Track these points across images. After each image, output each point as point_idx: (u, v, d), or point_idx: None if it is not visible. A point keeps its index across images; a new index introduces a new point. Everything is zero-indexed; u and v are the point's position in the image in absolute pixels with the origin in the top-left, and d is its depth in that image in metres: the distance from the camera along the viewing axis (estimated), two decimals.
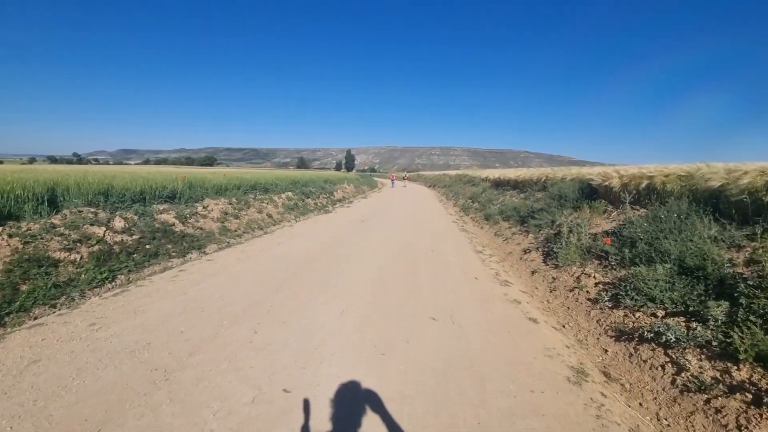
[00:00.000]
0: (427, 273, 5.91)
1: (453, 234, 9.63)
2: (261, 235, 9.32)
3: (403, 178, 47.48)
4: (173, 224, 7.79)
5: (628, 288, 4.00)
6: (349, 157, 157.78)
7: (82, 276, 5.14)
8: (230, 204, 10.74)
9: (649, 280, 3.82)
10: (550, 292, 5.13)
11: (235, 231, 9.17)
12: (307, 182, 19.42)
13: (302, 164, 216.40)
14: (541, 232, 7.62)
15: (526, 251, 7.15)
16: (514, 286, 5.41)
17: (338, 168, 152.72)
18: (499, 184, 16.39)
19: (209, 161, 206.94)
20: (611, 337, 3.60)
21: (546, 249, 6.62)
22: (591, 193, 7.57)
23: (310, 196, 16.81)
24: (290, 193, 15.51)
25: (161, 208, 8.25)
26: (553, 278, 5.45)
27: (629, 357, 3.24)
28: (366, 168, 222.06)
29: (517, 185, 13.62)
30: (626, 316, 3.76)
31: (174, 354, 3.09)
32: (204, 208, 9.46)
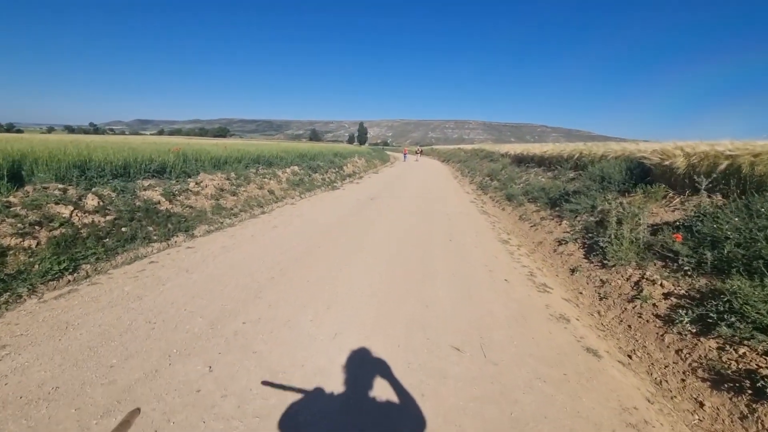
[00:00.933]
0: (446, 271, 4.94)
1: (473, 217, 8.59)
2: (259, 214, 8.44)
3: (416, 152, 48.85)
4: (158, 202, 6.92)
5: (721, 308, 2.97)
6: (362, 130, 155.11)
7: (36, 267, 4.33)
8: (228, 179, 9.84)
9: (755, 300, 2.77)
10: (600, 300, 4.12)
11: (231, 209, 8.29)
12: (316, 155, 18.39)
13: (315, 137, 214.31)
14: (578, 219, 6.52)
15: (560, 242, 6.10)
16: (555, 293, 4.39)
17: (351, 141, 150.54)
18: (521, 161, 15.09)
19: (222, 132, 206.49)
20: (705, 380, 2.61)
21: (587, 241, 5.56)
22: (642, 175, 6.39)
23: (318, 171, 15.83)
24: (296, 168, 14.54)
25: (147, 184, 7.37)
26: (602, 281, 4.43)
27: (741, 419, 2.25)
28: (379, 141, 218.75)
29: (542, 162, 12.36)
30: (723, 350, 2.75)
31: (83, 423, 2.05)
32: (197, 184, 8.58)
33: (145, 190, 7.06)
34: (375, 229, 7.04)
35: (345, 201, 10.25)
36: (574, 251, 5.57)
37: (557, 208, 7.54)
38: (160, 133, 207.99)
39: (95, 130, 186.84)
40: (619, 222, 5.06)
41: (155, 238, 5.98)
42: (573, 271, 5.04)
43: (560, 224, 6.82)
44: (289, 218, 7.78)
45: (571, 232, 6.20)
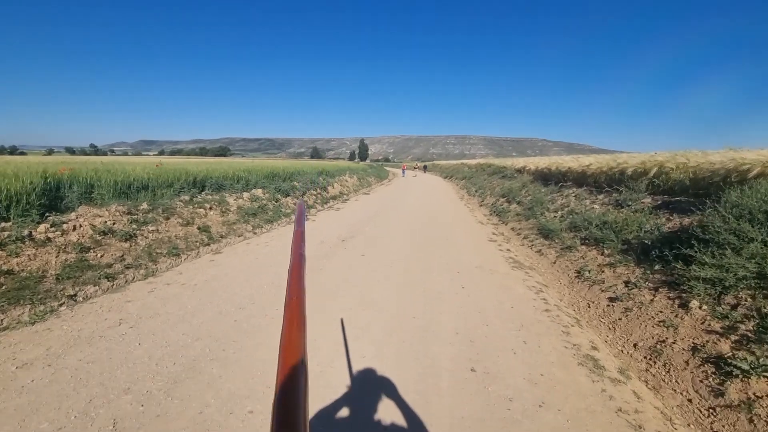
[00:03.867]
0: None
1: (500, 276, 5.25)
2: (164, 270, 5.14)
3: (414, 168, 50.21)
4: None
5: None
6: (363, 146, 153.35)
7: None
8: (129, 214, 6.61)
9: None
10: None
11: (107, 268, 5.04)
12: (292, 175, 15.22)
13: (316, 154, 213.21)
14: (726, 300, 3.20)
15: (699, 351, 2.76)
16: None
17: (352, 158, 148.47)
18: (546, 178, 11.83)
19: (223, 152, 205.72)
20: None
21: None
22: None
23: (292, 194, 12.62)
24: (260, 191, 11.34)
25: None
26: None
27: None
28: (380, 158, 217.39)
29: (583, 181, 9.07)
30: None
31: None
32: (56, 227, 5.33)
33: None
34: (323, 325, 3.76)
35: (305, 244, 6.93)
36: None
37: (658, 265, 4.23)
38: (161, 153, 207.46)
39: (95, 151, 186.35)
40: None
41: None
42: None
43: (685, 306, 3.49)
44: (178, 293, 4.48)
45: (739, 338, 2.87)
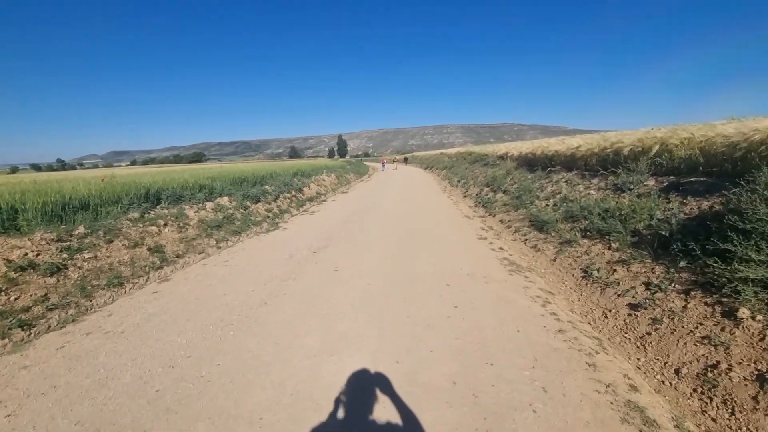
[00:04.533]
0: None
1: (498, 285, 4.51)
2: (86, 311, 4.19)
3: (393, 161, 49.36)
4: None
5: None
6: (341, 143, 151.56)
7: None
8: (57, 240, 5.63)
9: None
10: None
11: (23, 313, 4.12)
12: (264, 178, 14.20)
13: (294, 154, 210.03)
14: None
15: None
16: None
17: (331, 155, 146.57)
18: (532, 164, 11.19)
19: (198, 157, 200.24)
20: None
21: None
22: None
23: (263, 199, 11.66)
24: (226, 199, 10.36)
25: None
26: None
27: None
28: (360, 153, 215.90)
29: (573, 164, 8.43)
30: None
31: None
32: None
33: None
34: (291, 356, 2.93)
35: (268, 260, 5.91)
36: None
37: (683, 261, 3.55)
38: (133, 163, 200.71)
39: (62, 166, 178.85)
40: None
41: None
42: None
43: (731, 316, 2.81)
44: (122, 335, 3.57)
45: None
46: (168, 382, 2.56)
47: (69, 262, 5.36)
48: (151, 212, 7.98)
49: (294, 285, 4.52)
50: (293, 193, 14.06)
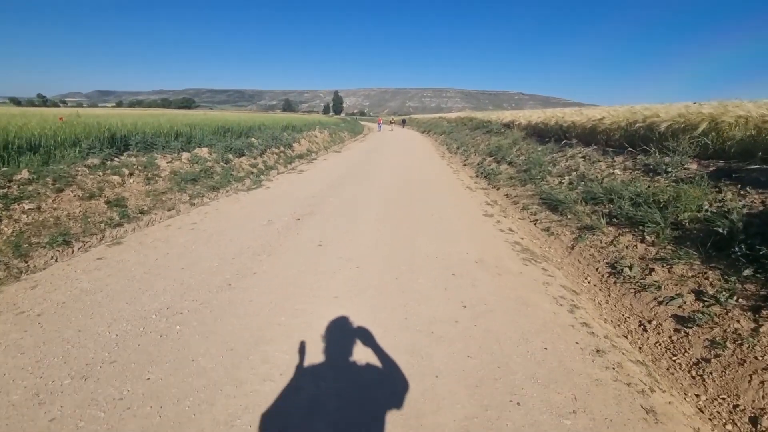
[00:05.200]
0: None
1: (521, 292, 3.78)
2: (17, 276, 3.40)
3: (390, 122, 48.30)
4: None
5: None
6: (337, 99, 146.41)
7: None
8: None
9: None
10: None
11: None
12: (249, 130, 13.07)
13: (288, 107, 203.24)
14: None
15: None
16: None
17: (326, 111, 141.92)
18: (542, 134, 10.31)
19: (187, 103, 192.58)
20: None
21: None
22: None
23: (247, 153, 10.67)
24: (205, 150, 9.37)
25: None
26: None
27: None
28: (355, 111, 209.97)
29: (591, 138, 7.60)
30: None
31: None
32: None
33: None
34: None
35: (242, 228, 5.04)
36: None
37: (748, 269, 2.87)
38: (119, 105, 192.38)
39: (43, 102, 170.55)
40: None
41: None
42: None
43: None
44: (39, 318, 2.79)
45: None
46: (71, 405, 1.83)
47: (3, 213, 4.50)
48: (116, 159, 7.02)
49: (268, 262, 3.75)
50: (282, 148, 13.03)
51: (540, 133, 10.41)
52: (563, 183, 6.57)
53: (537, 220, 5.82)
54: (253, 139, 12.26)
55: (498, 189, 8.35)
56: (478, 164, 11.80)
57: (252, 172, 9.65)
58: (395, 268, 3.78)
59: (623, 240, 4.17)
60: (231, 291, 3.12)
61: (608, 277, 3.77)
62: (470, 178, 10.28)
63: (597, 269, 3.97)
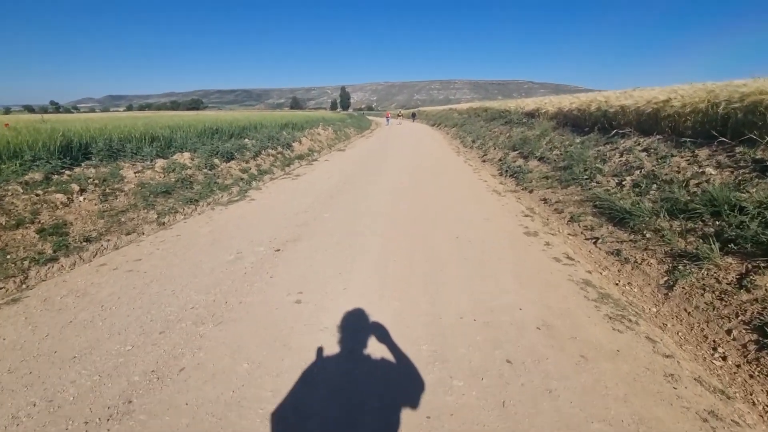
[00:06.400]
0: None
1: (621, 376, 2.36)
2: None
3: (398, 115, 48.31)
4: None
5: None
6: (344, 95, 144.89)
7: None
8: None
9: None
10: None
11: None
12: (243, 130, 11.77)
13: (296, 104, 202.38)
14: None
15: None
16: None
17: (333, 107, 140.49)
18: (577, 123, 8.78)
19: (196, 105, 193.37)
20: None
21: None
22: None
23: (237, 157, 9.39)
24: (186, 156, 8.11)
25: None
26: None
27: None
28: (363, 106, 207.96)
29: (652, 126, 6.07)
30: None
31: None
32: None
33: None
34: None
35: (193, 265, 3.71)
36: None
37: None
38: (129, 108, 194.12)
39: (56, 109, 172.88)
40: None
41: None
42: None
43: None
44: None
45: None
46: None
47: None
48: (66, 173, 5.77)
49: (210, 340, 2.39)
50: (279, 149, 11.72)
51: (575, 122, 8.87)
52: (624, 185, 5.09)
53: (597, 238, 4.38)
54: (246, 140, 10.99)
55: (531, 192, 6.90)
56: (499, 160, 10.32)
57: (242, 179, 8.35)
58: (410, 354, 2.40)
59: (762, 281, 2.73)
60: (142, 405, 1.80)
61: (756, 351, 2.34)
62: (493, 177, 8.82)
63: (730, 332, 2.54)
